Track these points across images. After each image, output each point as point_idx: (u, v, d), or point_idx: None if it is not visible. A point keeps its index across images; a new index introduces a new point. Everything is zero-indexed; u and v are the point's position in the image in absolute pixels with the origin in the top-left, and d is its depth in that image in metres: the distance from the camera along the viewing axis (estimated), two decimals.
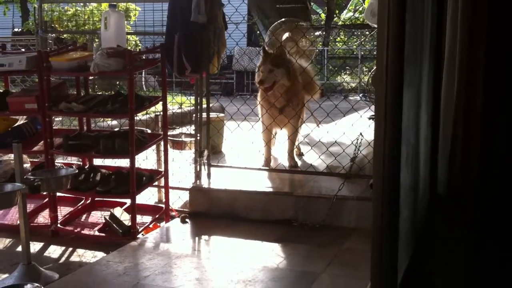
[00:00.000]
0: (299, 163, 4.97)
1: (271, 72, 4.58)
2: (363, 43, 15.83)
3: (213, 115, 5.56)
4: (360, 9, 17.62)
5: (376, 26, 4.82)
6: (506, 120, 2.14)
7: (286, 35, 6.12)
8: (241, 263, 3.36)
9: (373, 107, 6.44)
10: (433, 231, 2.67)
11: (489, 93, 2.23)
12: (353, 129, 4.70)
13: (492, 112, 2.28)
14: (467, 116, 2.41)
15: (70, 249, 4.03)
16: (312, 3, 17.11)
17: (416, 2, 2.03)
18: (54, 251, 4.01)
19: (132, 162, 4.08)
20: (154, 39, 6.51)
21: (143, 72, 10.00)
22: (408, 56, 1.85)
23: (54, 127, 4.74)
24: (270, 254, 3.54)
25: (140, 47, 9.86)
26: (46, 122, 4.33)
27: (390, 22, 1.72)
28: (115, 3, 5.02)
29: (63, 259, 3.88)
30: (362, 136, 4.40)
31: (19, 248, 3.66)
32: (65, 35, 10.15)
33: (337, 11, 18.58)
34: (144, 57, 4.76)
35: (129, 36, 10.11)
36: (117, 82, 10.22)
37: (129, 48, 5.25)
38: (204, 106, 4.69)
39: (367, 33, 15.98)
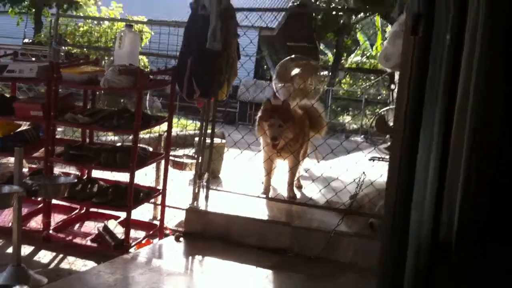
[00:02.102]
0: (298, 195, 4.95)
1: (281, 127, 4.60)
2: (367, 87, 15.99)
3: (216, 140, 5.57)
4: (368, 54, 17.87)
5: (388, 70, 4.88)
6: None
7: (295, 70, 6.18)
8: (233, 286, 3.31)
9: (376, 149, 6.44)
10: (433, 276, 2.64)
11: (503, 142, 2.24)
12: (355, 167, 4.70)
13: (502, 164, 2.28)
14: (476, 168, 2.42)
15: (61, 255, 3.98)
16: (321, 44, 17.39)
17: (436, 47, 2.05)
18: (44, 256, 3.95)
19: (132, 176, 4.07)
20: (166, 62, 6.58)
21: (148, 93, 10.07)
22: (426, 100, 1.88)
23: (56, 137, 4.74)
24: (264, 281, 3.49)
25: (148, 68, 9.95)
26: (50, 130, 4.32)
27: (413, 67, 1.75)
28: (131, 24, 5.09)
29: (53, 265, 3.83)
30: (365, 175, 4.40)
31: (10, 250, 3.61)
32: (75, 50, 10.24)
33: (345, 54, 18.83)
34: (155, 78, 4.80)
35: (140, 57, 10.23)
36: (121, 100, 10.25)
37: (141, 68, 5.29)
38: (209, 131, 4.69)
39: (373, 78, 16.17)
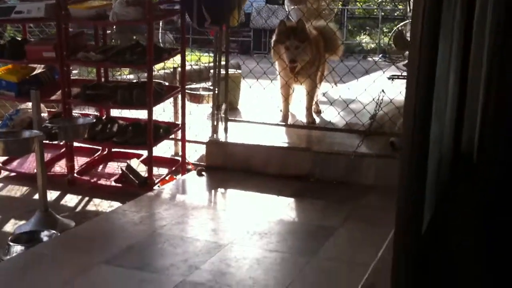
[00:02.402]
0: (317, 120, 4.91)
1: (298, 48, 4.47)
2: (384, 3, 15.46)
3: (231, 70, 5.48)
4: None
5: None
6: None
7: None
8: (257, 215, 3.35)
9: (394, 66, 6.30)
10: (455, 188, 2.62)
11: None
12: (374, 87, 4.61)
13: None
14: (498, 75, 2.33)
15: (87, 198, 4.05)
16: None
17: None
18: (70, 200, 4.03)
19: (150, 113, 4.05)
20: None
21: (160, 27, 9.89)
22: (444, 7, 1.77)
23: (72, 77, 4.71)
24: (286, 208, 3.52)
25: None
26: (64, 71, 4.30)
27: None
28: None
29: (79, 208, 3.91)
30: (384, 93, 4.31)
31: (36, 196, 3.68)
32: None
33: None
34: (163, 7, 4.67)
35: None
36: (134, 37, 10.11)
37: None
38: (223, 62, 4.61)
39: None
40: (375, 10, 15.19)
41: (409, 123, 1.87)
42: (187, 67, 5.11)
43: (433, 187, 2.43)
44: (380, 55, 10.65)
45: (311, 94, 4.80)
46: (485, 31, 2.38)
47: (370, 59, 10.15)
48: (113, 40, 9.44)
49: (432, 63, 1.87)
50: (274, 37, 4.71)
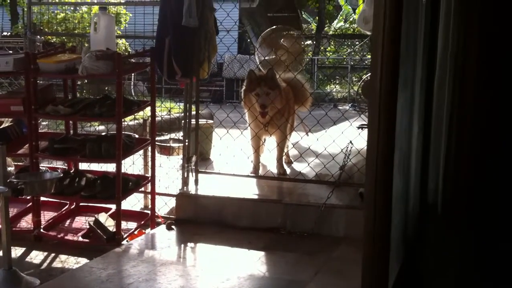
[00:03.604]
0: (288, 170, 4.92)
1: (268, 95, 4.53)
2: (353, 53, 15.86)
3: (202, 121, 5.50)
4: (351, 19, 17.69)
5: (368, 32, 4.82)
6: (501, 128, 2.11)
7: (277, 42, 6.09)
8: (227, 271, 3.29)
9: (363, 116, 6.41)
10: (423, 239, 2.63)
11: (481, 99, 2.21)
12: (343, 138, 4.66)
13: (485, 120, 2.25)
14: (459, 124, 2.38)
15: (53, 254, 3.95)
16: (303, 12, 17.19)
17: (410, 5, 2.00)
18: (36, 256, 3.92)
19: (118, 166, 4.01)
20: (144, 43, 6.43)
21: (132, 78, 9.93)
22: (402, 59, 1.82)
23: (40, 131, 4.67)
24: (257, 263, 3.48)
25: (130, 52, 9.79)
26: (32, 124, 4.25)
27: (386, 24, 1.68)
28: (105, 6, 4.97)
29: (45, 264, 3.80)
30: (352, 144, 4.36)
31: (0, 253, 3.56)
32: (55, 39, 10.05)
33: (327, 21, 18.62)
34: (134, 61, 4.70)
35: (119, 41, 10.04)
36: (106, 88, 10.12)
37: (119, 52, 5.19)
38: (194, 112, 4.63)
39: (357, 42, 16.03)
40: (344, 60, 15.55)
41: (371, 176, 1.88)
42: (158, 118, 5.12)
43: (401, 239, 2.43)
44: (350, 104, 10.84)
45: (281, 145, 4.83)
46: (445, 85, 2.45)
47: (341, 107, 10.32)
48: (85, 91, 9.46)
49: (392, 114, 1.90)
50: (244, 86, 4.76)
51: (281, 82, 4.83)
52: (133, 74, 8.99)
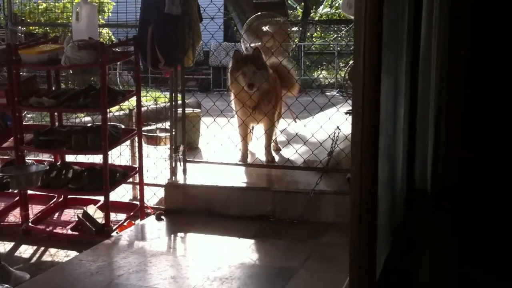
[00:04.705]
0: (277, 158, 4.91)
1: (255, 73, 4.49)
2: (339, 38, 15.82)
3: (188, 110, 5.47)
4: (337, 4, 17.64)
5: (352, 17, 4.79)
6: (491, 113, 2.11)
7: (265, 28, 6.05)
8: (217, 260, 3.29)
9: (350, 101, 6.41)
10: (411, 225, 2.63)
11: (470, 84, 2.20)
12: (331, 124, 4.66)
13: (474, 105, 2.25)
14: (448, 107, 2.37)
15: (42, 248, 3.92)
16: None
17: None
18: (25, 250, 3.89)
19: (105, 158, 3.98)
20: (127, 32, 6.36)
21: (118, 67, 9.84)
22: (386, 44, 1.80)
23: (25, 123, 4.62)
24: (247, 251, 3.47)
25: (114, 41, 9.70)
26: (16, 117, 4.20)
27: (367, 8, 1.66)
28: None
29: (34, 259, 3.77)
30: (339, 130, 4.35)
31: None
32: (38, 29, 9.93)
33: (313, 6, 18.55)
34: (119, 50, 4.65)
35: (103, 30, 9.93)
36: (91, 78, 10.04)
37: (101, 41, 5.13)
38: (180, 101, 4.59)
39: (344, 28, 15.99)
40: (331, 45, 15.51)
41: (357, 160, 1.86)
42: (144, 108, 5.08)
43: (388, 225, 2.43)
44: (337, 90, 10.82)
45: (268, 133, 4.81)
46: (431, 68, 2.44)
47: (328, 93, 10.30)
48: (70, 81, 9.36)
49: (376, 97, 1.88)
50: (230, 67, 4.72)
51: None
52: (118, 63, 8.90)
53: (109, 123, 4.13)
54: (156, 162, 4.94)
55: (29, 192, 4.29)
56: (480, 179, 2.27)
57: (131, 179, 4.59)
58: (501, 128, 2.19)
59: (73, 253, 3.72)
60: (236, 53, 4.75)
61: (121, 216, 4.25)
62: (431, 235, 2.44)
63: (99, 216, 4.10)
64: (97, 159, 4.70)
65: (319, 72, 14.61)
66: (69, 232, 4.06)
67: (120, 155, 4.90)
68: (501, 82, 2.14)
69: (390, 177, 2.44)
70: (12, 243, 3.98)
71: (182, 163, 4.51)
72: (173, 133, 4.54)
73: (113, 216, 4.13)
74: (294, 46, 11.03)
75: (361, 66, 1.77)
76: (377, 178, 1.85)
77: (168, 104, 4.77)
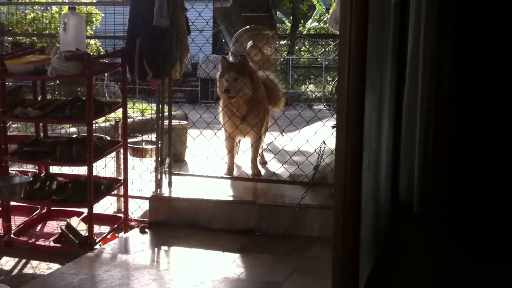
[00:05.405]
0: (263, 171, 4.91)
1: (236, 80, 4.52)
2: (327, 52, 15.93)
3: (175, 122, 5.46)
4: (325, 19, 17.78)
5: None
6: (477, 124, 2.12)
7: (250, 42, 6.08)
8: (201, 274, 3.27)
9: (336, 115, 6.44)
10: (396, 239, 2.63)
11: (456, 96, 2.21)
12: (317, 138, 4.67)
13: (460, 116, 2.26)
14: (435, 120, 2.38)
15: (24, 260, 3.86)
16: (277, 12, 17.21)
17: (378, 3, 1.99)
18: (6, 262, 3.83)
19: (90, 169, 3.95)
20: (115, 43, 6.34)
21: (105, 78, 9.82)
22: (370, 59, 1.81)
23: (9, 134, 4.57)
24: (232, 265, 3.45)
25: (102, 53, 9.68)
26: (1, 127, 4.16)
27: (352, 26, 1.67)
28: (74, 6, 4.90)
29: (16, 271, 3.72)
30: (325, 144, 4.36)
31: None
32: (25, 40, 9.87)
33: (302, 21, 18.68)
34: (106, 61, 4.63)
35: (91, 41, 9.91)
36: (78, 89, 9.99)
37: (90, 53, 5.12)
38: (166, 113, 4.59)
39: (331, 42, 16.10)
40: (319, 59, 15.61)
41: (340, 176, 1.87)
42: (130, 120, 5.06)
43: (372, 238, 2.43)
44: (324, 104, 10.88)
45: (255, 146, 4.82)
46: (418, 79, 2.45)
47: (316, 107, 10.35)
48: (56, 92, 9.31)
49: (360, 112, 1.89)
50: (219, 72, 4.79)
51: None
52: (106, 74, 8.88)
53: (94, 134, 4.11)
54: (141, 175, 4.91)
55: (12, 203, 4.24)
56: (470, 190, 2.28)
57: (115, 191, 4.55)
58: (492, 138, 2.21)
59: (55, 266, 3.67)
60: (223, 60, 4.85)
61: (105, 229, 4.21)
62: (417, 248, 2.45)
63: (82, 228, 4.06)
64: (82, 170, 4.67)
65: (306, 86, 14.69)
66: (52, 244, 4.01)
67: (105, 167, 4.87)
68: (490, 88, 2.15)
69: (374, 191, 2.44)
70: None
71: (167, 176, 4.49)
72: (159, 145, 4.53)
73: (96, 229, 4.09)
74: (282, 59, 11.08)
75: (346, 81, 1.78)
76: (361, 191, 1.86)
77: (154, 115, 4.77)
